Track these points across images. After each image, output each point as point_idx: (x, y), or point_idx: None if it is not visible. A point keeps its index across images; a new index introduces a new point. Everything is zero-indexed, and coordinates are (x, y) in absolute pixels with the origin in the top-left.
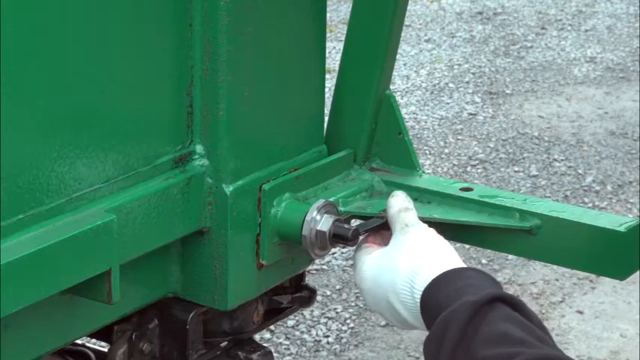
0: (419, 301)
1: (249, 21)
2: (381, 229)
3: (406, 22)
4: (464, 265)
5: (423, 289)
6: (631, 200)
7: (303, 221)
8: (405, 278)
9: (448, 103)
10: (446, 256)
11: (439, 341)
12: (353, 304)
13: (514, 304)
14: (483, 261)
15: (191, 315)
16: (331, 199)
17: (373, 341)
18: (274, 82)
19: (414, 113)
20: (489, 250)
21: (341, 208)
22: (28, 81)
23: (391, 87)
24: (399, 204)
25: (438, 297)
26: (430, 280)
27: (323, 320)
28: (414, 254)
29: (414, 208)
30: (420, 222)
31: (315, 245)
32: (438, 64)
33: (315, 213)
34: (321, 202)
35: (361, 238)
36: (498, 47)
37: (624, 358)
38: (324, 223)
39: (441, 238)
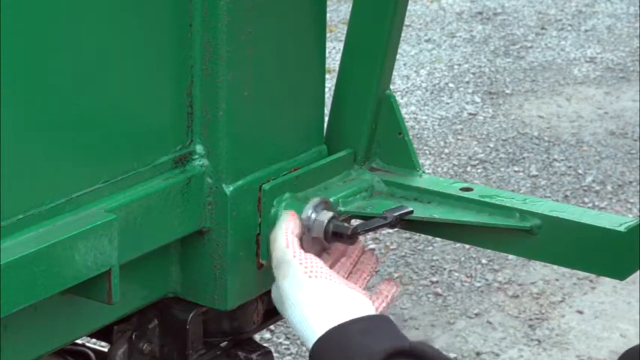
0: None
1: (249, 21)
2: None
3: (406, 22)
4: (346, 314)
5: (310, 348)
6: (631, 200)
7: (300, 220)
8: (294, 325)
9: (448, 103)
10: (325, 306)
11: None
12: None
13: (413, 353)
14: (483, 261)
15: (191, 315)
16: (330, 199)
17: None
18: (274, 82)
19: (414, 113)
20: (489, 250)
21: (341, 208)
22: (28, 81)
23: (391, 87)
24: (274, 229)
25: None
26: (314, 342)
27: None
28: (292, 306)
29: (284, 225)
30: (284, 253)
31: (312, 242)
32: (438, 64)
33: (310, 211)
34: (316, 200)
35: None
36: (498, 47)
37: None
38: (321, 218)
39: (305, 282)
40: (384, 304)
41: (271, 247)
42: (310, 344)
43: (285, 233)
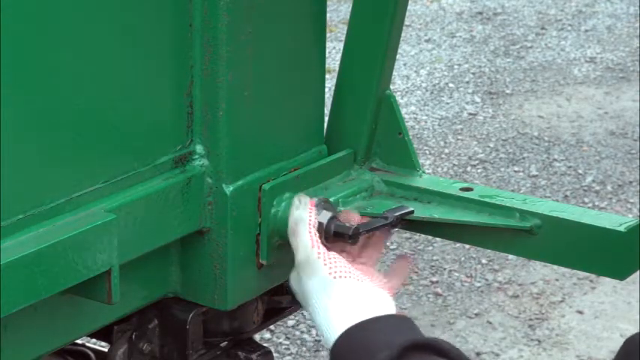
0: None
1: (249, 21)
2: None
3: (406, 22)
4: (369, 313)
5: (330, 345)
6: (631, 200)
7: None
8: (318, 325)
9: (448, 103)
10: (348, 306)
11: None
12: None
13: (429, 346)
14: (483, 261)
15: (191, 315)
16: (330, 199)
17: None
18: (274, 82)
19: (414, 113)
20: (489, 250)
21: (341, 208)
22: (29, 81)
23: (391, 87)
24: (291, 217)
25: (347, 357)
26: (336, 338)
27: None
28: (316, 306)
29: (305, 221)
30: (307, 255)
31: None
32: (438, 64)
33: None
34: (316, 200)
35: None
36: (498, 47)
37: None
38: (320, 219)
39: (330, 281)
40: (399, 283)
41: (293, 241)
42: (330, 343)
43: (309, 231)
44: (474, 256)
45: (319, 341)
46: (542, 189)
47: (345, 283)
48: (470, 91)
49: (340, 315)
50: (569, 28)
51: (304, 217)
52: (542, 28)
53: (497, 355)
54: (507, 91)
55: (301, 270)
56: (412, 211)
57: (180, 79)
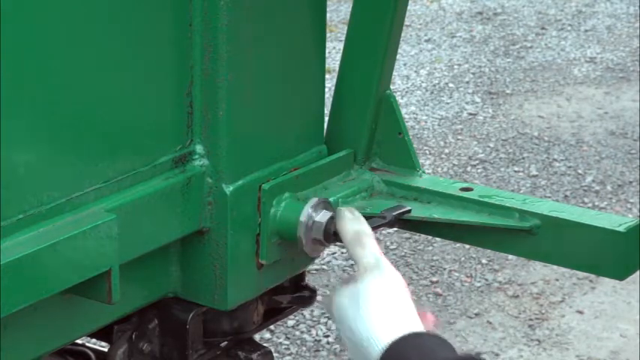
0: None
1: (249, 21)
2: None
3: (406, 22)
4: (416, 327)
5: (385, 347)
6: (631, 200)
7: (299, 220)
8: (361, 342)
9: (448, 103)
10: (398, 319)
11: None
12: None
13: None
14: (483, 261)
15: (191, 315)
16: (330, 199)
17: None
18: (274, 82)
19: (414, 113)
20: (489, 250)
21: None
22: (29, 81)
23: (391, 87)
24: (351, 230)
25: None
26: (383, 351)
27: (323, 320)
28: (366, 317)
29: (368, 233)
30: (377, 260)
31: (312, 243)
32: (438, 64)
33: (310, 211)
34: (316, 200)
35: None
36: (498, 47)
37: (624, 358)
38: (320, 220)
39: (396, 288)
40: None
41: (359, 251)
42: (381, 343)
43: (372, 240)
44: (474, 256)
45: (319, 341)
46: (542, 189)
47: (406, 293)
48: (470, 91)
49: (399, 322)
50: (569, 28)
51: (366, 230)
52: (542, 28)
53: (498, 355)
54: (507, 91)
55: (369, 273)
56: (409, 210)
57: (180, 79)
